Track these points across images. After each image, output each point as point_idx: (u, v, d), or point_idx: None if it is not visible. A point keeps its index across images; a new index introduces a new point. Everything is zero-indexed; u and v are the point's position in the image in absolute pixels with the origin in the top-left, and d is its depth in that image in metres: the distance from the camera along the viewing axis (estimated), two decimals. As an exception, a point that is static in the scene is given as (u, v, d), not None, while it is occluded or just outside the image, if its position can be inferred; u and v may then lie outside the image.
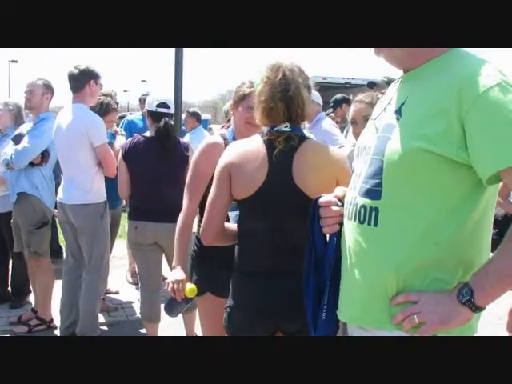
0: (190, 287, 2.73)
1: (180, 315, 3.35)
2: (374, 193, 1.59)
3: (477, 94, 1.45)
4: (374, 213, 1.58)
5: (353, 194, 1.68)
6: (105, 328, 4.91)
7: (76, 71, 4.38)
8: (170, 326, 4.36)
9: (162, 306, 3.16)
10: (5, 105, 5.27)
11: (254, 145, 2.29)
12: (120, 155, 4.17)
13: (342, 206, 1.74)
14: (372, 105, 3.00)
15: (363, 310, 1.63)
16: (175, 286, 2.69)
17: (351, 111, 3.16)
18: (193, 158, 2.88)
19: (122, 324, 5.05)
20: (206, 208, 2.37)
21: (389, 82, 4.98)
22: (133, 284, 6.15)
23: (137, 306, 5.40)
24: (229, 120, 3.50)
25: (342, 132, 5.79)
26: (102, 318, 5.03)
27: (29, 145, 4.61)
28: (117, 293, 5.88)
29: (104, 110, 4.81)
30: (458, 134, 1.47)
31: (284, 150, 2.23)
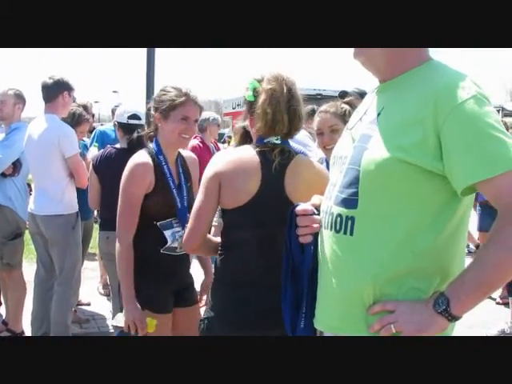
0: (151, 322, 2.69)
1: None
2: (349, 202, 1.59)
3: (453, 105, 1.47)
4: (349, 222, 1.58)
5: (328, 203, 1.68)
6: (76, 340, 4.86)
7: (50, 81, 4.37)
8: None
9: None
10: None
11: (246, 155, 2.29)
12: (91, 166, 4.16)
13: (319, 214, 1.75)
14: (337, 114, 3.05)
15: (340, 318, 1.64)
16: (139, 324, 2.66)
17: (317, 122, 3.16)
18: (122, 181, 2.79)
19: (94, 335, 5.00)
20: (192, 216, 2.31)
21: (360, 94, 5.06)
22: (104, 295, 6.11)
23: (108, 318, 5.37)
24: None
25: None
26: (73, 330, 4.99)
27: (0, 155, 4.58)
28: (88, 304, 5.83)
29: (76, 120, 4.79)
30: (434, 145, 1.48)
31: (279, 162, 2.25)
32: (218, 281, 2.37)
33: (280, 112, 2.24)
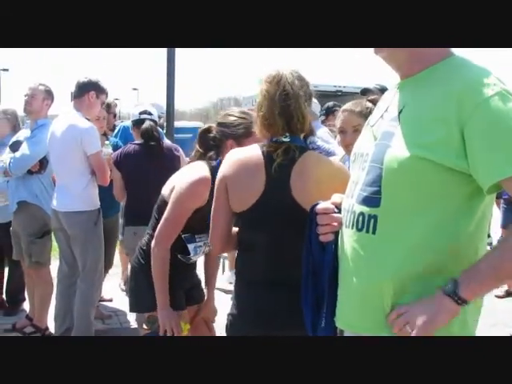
0: (185, 326, 2.75)
1: None
2: (372, 200, 1.59)
3: (477, 102, 1.45)
4: (372, 220, 1.58)
5: (350, 202, 1.67)
6: (99, 335, 4.89)
7: (82, 79, 4.43)
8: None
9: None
10: (2, 113, 5.27)
11: (251, 156, 2.25)
12: (112, 164, 4.22)
13: (340, 212, 1.73)
14: (361, 114, 2.98)
15: (360, 317, 1.63)
16: (174, 330, 2.70)
17: (340, 121, 3.12)
18: (180, 193, 2.74)
19: (116, 331, 5.05)
20: (211, 221, 2.35)
21: (381, 90, 5.02)
22: (126, 292, 6.14)
23: (130, 314, 5.40)
24: None
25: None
26: (95, 326, 5.04)
27: (27, 152, 4.62)
28: (110, 300, 5.88)
29: None
30: (457, 143, 1.47)
31: (283, 162, 2.18)
32: (237, 279, 2.40)
33: (272, 115, 2.18)
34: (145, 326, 2.85)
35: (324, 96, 11.10)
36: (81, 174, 4.31)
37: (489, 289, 1.52)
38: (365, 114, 2.97)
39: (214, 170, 2.67)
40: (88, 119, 4.39)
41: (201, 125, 14.61)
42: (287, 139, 2.22)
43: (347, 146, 3.07)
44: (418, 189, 1.53)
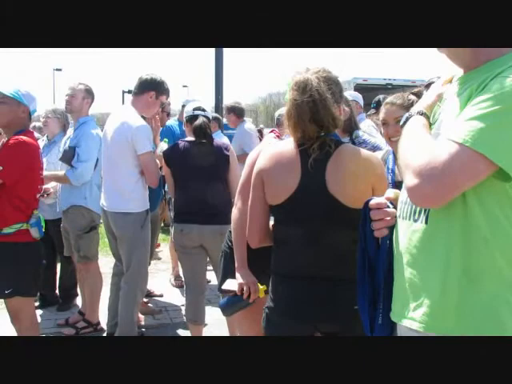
0: (262, 288, 2.72)
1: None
2: None
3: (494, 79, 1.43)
4: (424, 210, 1.57)
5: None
6: (150, 331, 4.97)
7: (145, 76, 4.41)
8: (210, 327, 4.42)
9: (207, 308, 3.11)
10: (53, 112, 5.38)
11: (287, 150, 2.28)
12: (163, 161, 4.22)
13: (394, 208, 1.72)
14: (403, 107, 2.97)
15: (418, 311, 1.58)
16: (252, 287, 2.69)
17: (382, 113, 3.12)
18: (251, 156, 2.86)
19: (167, 327, 5.10)
20: (248, 213, 2.40)
21: (428, 85, 4.93)
22: (176, 287, 6.22)
23: (181, 309, 5.46)
24: (278, 125, 3.47)
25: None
26: (146, 321, 5.10)
27: (84, 163, 4.66)
28: (161, 296, 5.94)
29: None
30: None
31: (318, 157, 2.20)
32: (273, 273, 2.40)
33: (303, 122, 2.21)
34: (227, 287, 2.82)
35: (374, 89, 10.99)
36: (129, 174, 4.26)
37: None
38: (406, 107, 2.97)
39: None
40: (143, 117, 4.37)
41: (250, 121, 14.63)
42: (321, 133, 2.25)
43: (390, 139, 3.08)
44: None
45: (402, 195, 1.70)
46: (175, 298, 5.89)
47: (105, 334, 4.74)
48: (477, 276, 1.49)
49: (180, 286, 6.15)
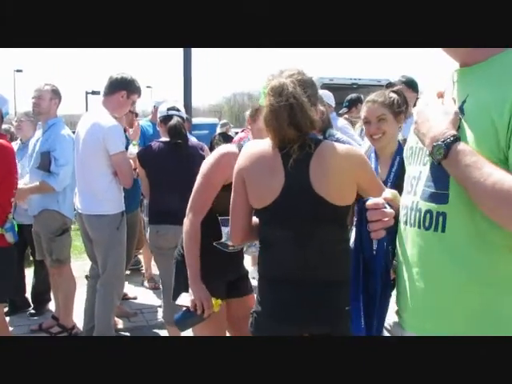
0: (216, 302, 2.72)
1: None
2: (440, 197, 1.51)
3: None
4: (441, 218, 1.50)
5: (413, 199, 1.60)
6: (126, 334, 4.94)
7: (115, 76, 4.37)
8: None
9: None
10: (25, 115, 5.29)
11: (268, 152, 2.26)
12: (137, 162, 4.19)
13: (391, 208, 1.66)
14: (385, 104, 3.00)
15: (443, 321, 1.54)
16: (205, 304, 2.68)
17: (364, 111, 3.12)
18: (205, 164, 2.84)
19: (143, 329, 5.06)
20: (230, 214, 2.39)
21: (406, 82, 4.98)
22: (150, 289, 6.17)
23: (156, 311, 5.44)
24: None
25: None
26: (122, 324, 5.06)
27: (65, 167, 4.57)
28: (135, 298, 5.89)
29: None
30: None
31: (299, 157, 2.19)
32: (260, 276, 2.39)
33: (281, 127, 2.19)
34: (181, 303, 2.80)
35: (340, 89, 11.06)
36: (103, 175, 4.22)
37: (463, 176, 1.42)
38: (388, 104, 3.00)
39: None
40: (115, 117, 4.32)
41: (216, 121, 14.64)
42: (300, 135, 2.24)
43: (372, 136, 3.09)
44: None
45: (406, 200, 1.65)
46: (149, 299, 5.85)
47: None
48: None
49: (154, 288, 6.13)
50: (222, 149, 2.85)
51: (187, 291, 2.78)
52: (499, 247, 1.44)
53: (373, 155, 3.15)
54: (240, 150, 2.73)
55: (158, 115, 4.31)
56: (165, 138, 4.13)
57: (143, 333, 4.94)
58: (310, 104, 2.22)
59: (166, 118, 4.15)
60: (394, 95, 3.05)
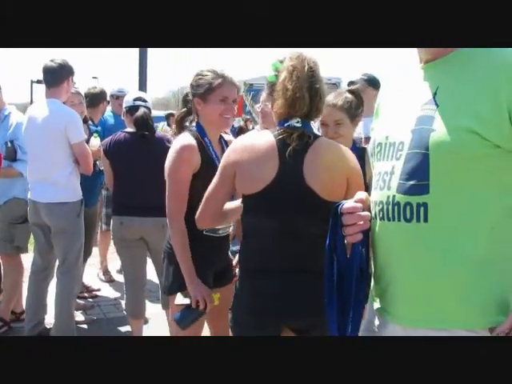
0: (215, 296, 2.73)
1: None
2: (419, 188, 1.53)
3: None
4: (422, 208, 1.52)
5: (388, 193, 1.60)
6: (83, 326, 4.84)
7: (56, 65, 4.27)
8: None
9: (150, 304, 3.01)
10: None
11: (264, 140, 2.22)
12: (102, 152, 4.14)
13: (368, 210, 1.64)
14: (343, 108, 2.96)
15: (429, 311, 1.56)
16: (207, 299, 2.69)
17: (321, 114, 3.14)
18: (168, 165, 2.78)
19: (100, 322, 4.98)
20: (205, 196, 2.34)
21: (368, 80, 5.05)
22: (105, 282, 6.08)
23: (113, 304, 5.37)
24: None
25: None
26: (79, 317, 4.96)
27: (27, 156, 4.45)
28: (99, 290, 5.78)
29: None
30: (507, 121, 1.45)
31: (297, 147, 2.17)
32: (241, 268, 2.36)
33: (300, 89, 2.16)
34: (180, 302, 2.79)
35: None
36: (64, 164, 4.19)
37: None
38: (346, 108, 2.98)
39: (198, 133, 2.84)
40: (64, 103, 4.30)
41: (161, 114, 14.46)
42: (299, 124, 2.22)
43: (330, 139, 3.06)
44: (470, 168, 1.49)
45: (379, 196, 1.64)
46: (105, 292, 5.76)
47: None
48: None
49: (109, 281, 6.06)
50: (179, 142, 2.80)
51: (179, 282, 2.77)
52: (482, 228, 1.49)
53: None
54: (194, 137, 2.80)
55: (124, 105, 4.24)
56: (130, 129, 4.08)
57: (101, 326, 4.87)
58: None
59: (132, 109, 4.10)
60: (350, 97, 3.03)
